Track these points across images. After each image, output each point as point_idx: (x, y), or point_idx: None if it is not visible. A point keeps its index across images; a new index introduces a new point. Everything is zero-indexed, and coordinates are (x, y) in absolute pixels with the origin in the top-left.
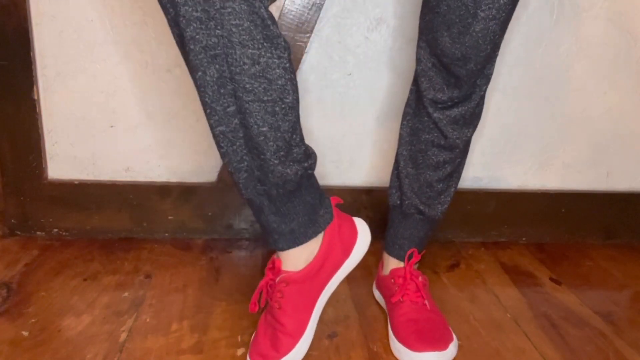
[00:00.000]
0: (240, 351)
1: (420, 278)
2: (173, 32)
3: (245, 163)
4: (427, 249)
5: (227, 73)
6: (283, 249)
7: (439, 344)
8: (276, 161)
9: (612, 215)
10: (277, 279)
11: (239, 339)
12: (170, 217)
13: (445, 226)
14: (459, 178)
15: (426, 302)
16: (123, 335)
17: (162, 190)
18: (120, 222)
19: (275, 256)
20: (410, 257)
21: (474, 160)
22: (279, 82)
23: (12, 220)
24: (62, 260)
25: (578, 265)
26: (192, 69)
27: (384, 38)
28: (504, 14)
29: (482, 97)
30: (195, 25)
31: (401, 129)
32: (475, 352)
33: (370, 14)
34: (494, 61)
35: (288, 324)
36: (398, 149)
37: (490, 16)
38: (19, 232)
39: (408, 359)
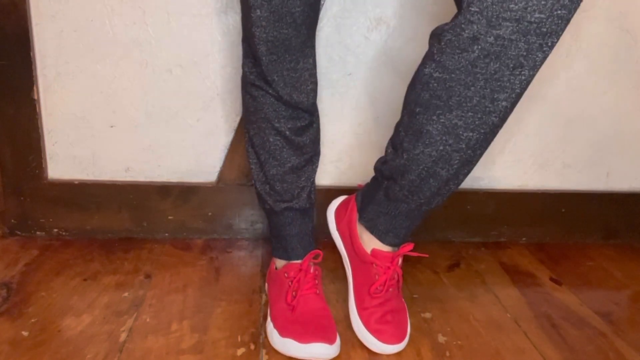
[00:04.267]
0: (240, 351)
1: (400, 262)
2: None
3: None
4: (427, 249)
5: None
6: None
7: (400, 335)
8: None
9: (612, 215)
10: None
11: (239, 339)
12: (170, 217)
13: (445, 226)
14: None
15: (398, 288)
16: (123, 335)
17: (162, 190)
18: (120, 222)
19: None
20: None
21: None
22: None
23: (12, 220)
24: (62, 260)
25: (578, 265)
26: None
27: (383, 38)
28: None
29: None
30: None
31: (429, 124)
32: (475, 352)
33: (370, 14)
34: None
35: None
36: (425, 149)
37: None
38: (19, 232)
39: (372, 346)
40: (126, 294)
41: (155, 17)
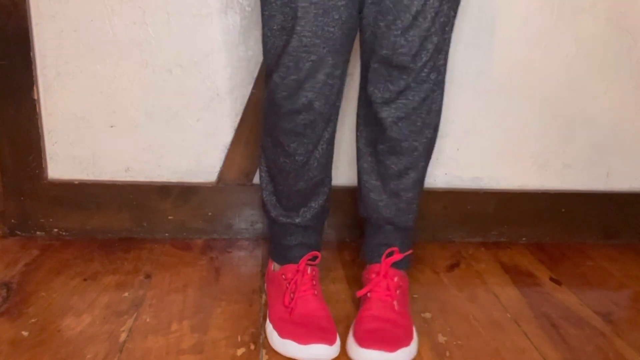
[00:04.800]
0: (240, 351)
1: (396, 278)
2: None
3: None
4: (427, 249)
5: None
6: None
7: (389, 345)
8: None
9: (612, 215)
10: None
11: (239, 339)
12: (170, 217)
13: (445, 226)
14: (423, 182)
15: (395, 302)
16: (123, 335)
17: (162, 190)
18: (120, 222)
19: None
20: (388, 255)
21: (474, 160)
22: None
23: (12, 220)
24: (62, 260)
25: (578, 265)
26: None
27: None
28: None
29: (435, 92)
30: None
31: (357, 140)
32: (475, 352)
33: None
34: (445, 49)
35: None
36: (357, 161)
37: None
38: (19, 232)
39: (352, 353)
40: (126, 294)
41: (155, 17)
